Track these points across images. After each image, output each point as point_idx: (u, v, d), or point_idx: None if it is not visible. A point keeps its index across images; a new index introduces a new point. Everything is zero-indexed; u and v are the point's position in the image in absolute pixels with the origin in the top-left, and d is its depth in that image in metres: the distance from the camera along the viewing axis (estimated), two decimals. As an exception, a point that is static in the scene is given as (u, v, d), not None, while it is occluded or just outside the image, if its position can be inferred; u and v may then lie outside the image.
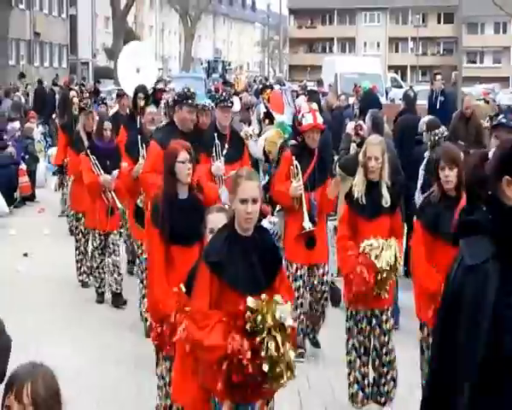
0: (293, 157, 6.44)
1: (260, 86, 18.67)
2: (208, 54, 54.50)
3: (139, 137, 7.56)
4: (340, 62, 31.51)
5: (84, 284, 8.81)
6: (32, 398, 2.41)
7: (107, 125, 8.18)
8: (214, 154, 7.00)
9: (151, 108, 7.92)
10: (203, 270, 3.72)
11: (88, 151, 8.11)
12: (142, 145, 7.44)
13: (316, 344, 6.89)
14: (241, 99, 12.89)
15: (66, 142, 10.37)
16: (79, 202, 8.84)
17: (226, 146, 7.08)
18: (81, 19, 46.92)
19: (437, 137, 7.31)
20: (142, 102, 8.59)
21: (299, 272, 6.44)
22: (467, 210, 2.73)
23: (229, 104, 7.21)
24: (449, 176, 4.84)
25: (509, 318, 2.44)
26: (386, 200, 5.46)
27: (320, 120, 6.51)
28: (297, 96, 17.61)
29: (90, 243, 8.72)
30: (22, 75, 25.27)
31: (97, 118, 8.99)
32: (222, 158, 7.00)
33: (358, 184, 5.49)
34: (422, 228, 4.96)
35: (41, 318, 7.67)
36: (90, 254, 8.71)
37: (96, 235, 8.16)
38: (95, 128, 8.58)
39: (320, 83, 22.53)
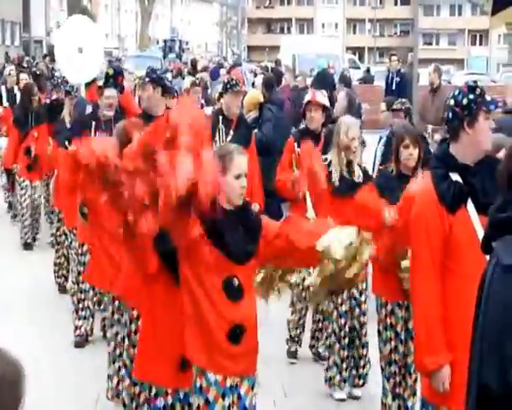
0: (296, 144, 6.15)
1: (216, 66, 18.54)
2: (165, 33, 53.86)
3: (93, 123, 6.60)
4: (298, 43, 31.52)
5: (62, 289, 7.91)
6: None
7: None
8: (217, 139, 6.65)
9: (110, 92, 6.70)
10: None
11: (66, 143, 6.83)
12: (95, 132, 6.48)
13: (318, 356, 6.29)
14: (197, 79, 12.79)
15: (18, 140, 9.22)
16: (60, 198, 7.48)
17: (231, 132, 6.75)
18: (35, -5, 45.90)
19: (400, 105, 7.31)
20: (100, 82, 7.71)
21: None
22: (499, 207, 2.48)
23: (237, 89, 6.81)
24: (413, 154, 4.89)
25: None
26: (358, 174, 5.53)
27: (319, 97, 6.26)
28: (255, 76, 17.60)
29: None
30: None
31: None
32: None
33: (338, 165, 5.50)
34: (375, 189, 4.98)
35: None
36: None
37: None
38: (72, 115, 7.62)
39: (278, 63, 22.51)
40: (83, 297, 6.65)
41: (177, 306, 3.76)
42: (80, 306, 6.62)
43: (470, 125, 3.52)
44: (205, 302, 3.59)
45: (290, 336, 6.39)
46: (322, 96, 6.33)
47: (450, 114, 3.58)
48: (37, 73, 12.82)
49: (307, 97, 6.36)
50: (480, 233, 3.38)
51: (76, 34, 9.34)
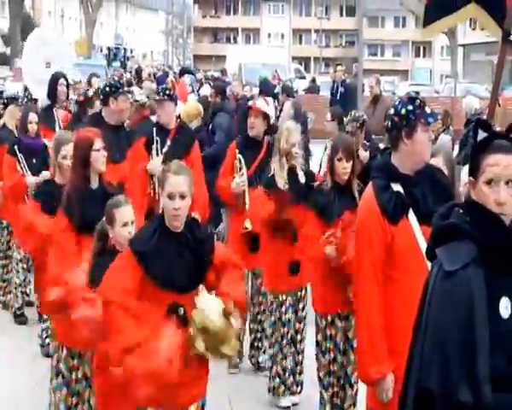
0: (237, 150, 6.07)
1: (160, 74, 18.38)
2: (110, 41, 53.41)
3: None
4: (245, 53, 31.63)
5: (5, 306, 7.60)
6: None
7: (33, 117, 7.01)
8: (154, 151, 6.45)
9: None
10: (126, 257, 3.54)
11: (16, 148, 6.85)
12: None
13: (258, 365, 6.25)
14: (141, 88, 12.65)
15: None
16: (8, 208, 7.29)
17: (168, 142, 6.50)
18: (-25, 2, 44.93)
19: (359, 123, 7.31)
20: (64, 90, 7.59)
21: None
22: (442, 214, 2.52)
23: (163, 97, 6.57)
24: (346, 168, 4.90)
25: (499, 331, 2.28)
26: (302, 179, 5.53)
27: (260, 104, 6.15)
28: (201, 85, 17.54)
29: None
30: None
31: None
32: (161, 155, 6.42)
33: (281, 172, 5.45)
34: (316, 217, 4.93)
35: None
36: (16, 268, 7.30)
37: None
38: (18, 121, 7.34)
39: (224, 73, 22.51)
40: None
41: None
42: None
43: (408, 136, 3.53)
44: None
45: None
46: (263, 104, 6.23)
47: (390, 124, 3.59)
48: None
49: (249, 104, 6.30)
50: (422, 242, 3.43)
51: (43, 48, 9.00)
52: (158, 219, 3.64)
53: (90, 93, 7.15)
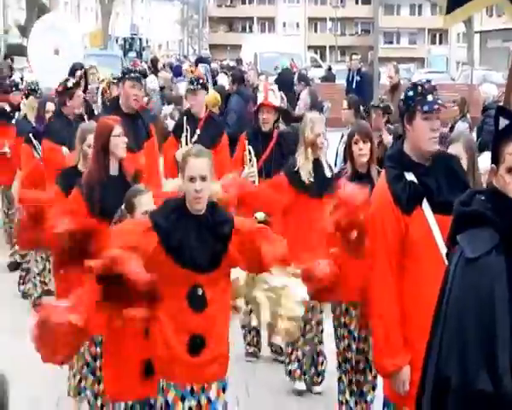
0: (246, 141, 6.11)
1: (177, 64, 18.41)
2: (126, 31, 53.46)
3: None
4: (260, 42, 31.63)
5: (26, 295, 7.71)
6: None
7: (50, 106, 7.16)
8: (183, 139, 6.55)
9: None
10: (142, 225, 3.59)
11: (31, 136, 7.08)
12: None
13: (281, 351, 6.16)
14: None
15: None
16: None
17: (198, 131, 6.61)
18: (-9, -7, 45.08)
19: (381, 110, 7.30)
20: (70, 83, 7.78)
21: None
22: (463, 201, 2.50)
23: (197, 87, 6.72)
24: (363, 149, 4.88)
25: None
26: (327, 172, 5.51)
27: (272, 99, 6.18)
28: (216, 75, 17.57)
29: None
30: None
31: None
32: (190, 144, 6.45)
33: (306, 164, 5.41)
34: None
35: None
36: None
37: None
38: (35, 111, 7.52)
39: (239, 62, 22.50)
40: None
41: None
42: None
43: (409, 122, 3.54)
44: (165, 312, 3.54)
45: (246, 340, 6.36)
46: (274, 98, 6.26)
47: (398, 110, 3.65)
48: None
49: (259, 99, 6.28)
50: (436, 232, 3.42)
51: (51, 34, 8.86)
52: (178, 200, 3.66)
53: (70, 84, 6.93)
